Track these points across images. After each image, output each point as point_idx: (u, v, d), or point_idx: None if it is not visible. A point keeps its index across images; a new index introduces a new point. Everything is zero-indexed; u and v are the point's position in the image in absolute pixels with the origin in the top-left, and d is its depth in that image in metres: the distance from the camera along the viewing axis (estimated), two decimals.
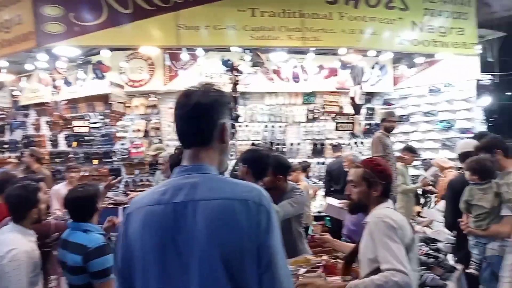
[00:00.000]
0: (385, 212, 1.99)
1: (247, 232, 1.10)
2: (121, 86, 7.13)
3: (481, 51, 7.16)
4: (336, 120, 7.47)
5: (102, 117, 7.68)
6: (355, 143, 8.12)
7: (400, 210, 5.37)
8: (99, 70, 7.36)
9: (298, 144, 8.14)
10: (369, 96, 8.31)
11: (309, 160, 7.52)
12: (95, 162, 7.51)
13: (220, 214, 1.11)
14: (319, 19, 5.69)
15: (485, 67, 8.11)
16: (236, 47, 6.02)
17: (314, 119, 8.16)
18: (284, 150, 7.87)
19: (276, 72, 7.73)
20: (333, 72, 7.83)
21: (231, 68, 6.41)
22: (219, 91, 1.26)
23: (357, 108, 6.88)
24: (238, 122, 7.12)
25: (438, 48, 6.43)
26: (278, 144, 7.99)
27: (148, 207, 1.17)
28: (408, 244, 1.93)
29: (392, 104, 8.36)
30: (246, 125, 7.90)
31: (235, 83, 6.31)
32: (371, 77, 8.05)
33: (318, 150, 8.11)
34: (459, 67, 7.34)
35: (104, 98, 7.38)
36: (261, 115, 7.99)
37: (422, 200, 6.16)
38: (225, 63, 6.83)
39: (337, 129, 7.49)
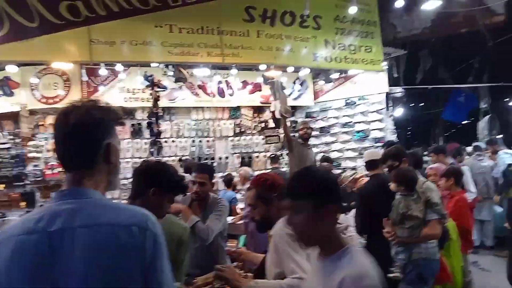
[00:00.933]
0: (285, 224, 2.05)
1: (132, 260, 1.02)
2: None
3: (387, 67, 7.87)
4: (264, 134, 7.71)
5: (11, 137, 7.06)
6: (281, 154, 8.39)
7: None
8: (7, 86, 6.80)
9: (227, 158, 8.21)
10: (293, 109, 8.67)
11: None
12: (1, 187, 6.82)
13: (101, 242, 1.01)
14: (238, 36, 5.86)
15: (394, 82, 8.94)
16: (156, 63, 5.94)
17: (242, 133, 8.31)
18: (214, 164, 7.89)
19: (202, 87, 7.77)
20: (257, 87, 8.08)
21: (152, 83, 6.31)
22: (104, 108, 1.16)
23: (277, 122, 7.13)
24: (161, 138, 6.98)
25: (350, 65, 6.96)
26: (206, 158, 7.99)
27: (20, 236, 1.03)
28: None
29: (314, 117, 8.81)
30: (173, 141, 7.80)
31: (156, 99, 6.20)
32: (293, 91, 8.44)
33: (246, 163, 8.24)
34: (370, 82, 8.02)
35: (14, 117, 6.82)
36: (188, 130, 7.95)
37: None
38: (147, 78, 6.71)
39: (266, 143, 7.74)
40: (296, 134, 7.58)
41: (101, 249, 1.01)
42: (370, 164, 3.80)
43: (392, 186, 3.13)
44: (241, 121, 8.29)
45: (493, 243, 6.58)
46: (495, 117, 10.14)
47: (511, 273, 3.42)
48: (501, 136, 9.37)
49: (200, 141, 8.01)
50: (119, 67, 6.28)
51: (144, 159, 7.17)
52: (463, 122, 13.97)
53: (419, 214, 2.99)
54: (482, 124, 9.95)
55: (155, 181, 1.90)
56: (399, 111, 11.71)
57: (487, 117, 10.06)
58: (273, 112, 7.08)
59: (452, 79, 11.51)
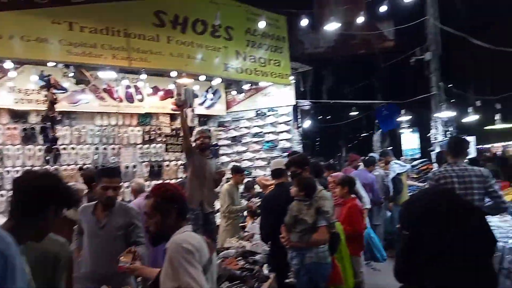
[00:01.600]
0: (183, 236, 1.99)
1: None
2: None
3: (295, 81, 8.33)
4: (166, 142, 7.50)
5: None
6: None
7: (228, 228, 5.65)
8: None
9: (134, 166, 7.80)
10: (205, 118, 8.66)
11: (146, 183, 7.29)
12: None
13: None
14: (147, 40, 5.65)
15: (301, 95, 9.50)
16: (52, 62, 5.41)
17: (151, 141, 7.99)
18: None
19: (108, 91, 7.29)
20: (168, 94, 7.86)
21: (48, 84, 5.72)
22: None
23: (189, 129, 7.01)
24: (58, 144, 6.36)
25: (260, 77, 7.20)
26: None
27: None
28: (205, 266, 1.97)
29: (226, 126, 8.89)
30: (73, 148, 7.15)
31: (52, 101, 5.64)
32: (205, 100, 8.42)
33: (155, 172, 7.94)
34: (279, 94, 8.40)
35: None
36: (91, 137, 7.37)
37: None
38: (43, 78, 6.07)
39: (167, 151, 7.53)
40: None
41: None
42: (276, 173, 3.93)
43: (293, 190, 3.28)
44: (153, 128, 7.97)
45: (383, 245, 7.29)
46: (385, 122, 11.34)
47: (397, 270, 3.82)
48: (391, 148, 10.55)
49: (105, 149, 7.47)
50: (8, 64, 5.58)
51: (37, 167, 6.47)
52: (362, 135, 15.42)
53: (309, 219, 3.15)
54: (376, 137, 11.09)
55: (50, 197, 1.65)
56: (307, 123, 12.46)
57: (380, 130, 11.27)
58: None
59: (352, 95, 12.68)
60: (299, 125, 9.72)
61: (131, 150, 7.81)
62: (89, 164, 7.19)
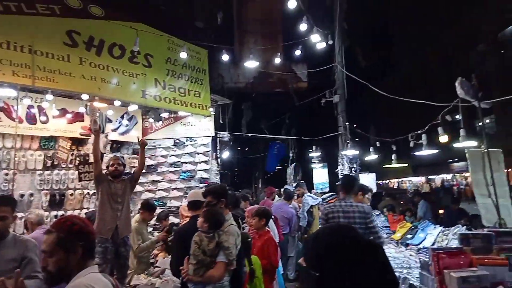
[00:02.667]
0: (86, 280, 1.79)
1: None
2: None
3: (214, 113, 8.43)
4: (79, 170, 6.89)
5: None
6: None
7: (139, 267, 5.28)
8: None
9: (31, 195, 6.96)
10: (118, 145, 8.21)
11: (46, 213, 6.56)
12: None
13: None
14: (55, 59, 5.25)
15: (221, 127, 9.61)
16: None
17: (54, 167, 7.26)
18: None
19: (4, 110, 6.54)
20: (78, 117, 7.33)
21: None
22: None
23: (101, 156, 6.56)
24: None
25: (179, 106, 7.12)
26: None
27: None
28: None
29: None
30: None
31: None
32: (120, 126, 8.02)
33: (56, 201, 7.18)
34: (199, 125, 8.39)
35: None
36: None
37: None
38: None
39: (80, 180, 6.91)
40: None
41: None
42: (193, 205, 3.79)
43: (199, 221, 3.19)
44: (55, 153, 7.27)
45: (295, 276, 7.49)
46: (299, 165, 12.04)
47: None
48: (303, 181, 11.12)
49: None
50: None
51: None
52: (277, 168, 16.02)
53: (208, 253, 3.07)
54: (289, 171, 11.62)
55: None
56: (226, 154, 12.58)
57: (293, 164, 11.85)
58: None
59: (269, 130, 13.21)
60: (217, 156, 9.76)
61: (29, 177, 7.00)
62: None
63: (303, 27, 6.48)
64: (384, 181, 27.44)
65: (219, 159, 9.62)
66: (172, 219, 7.31)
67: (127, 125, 8.17)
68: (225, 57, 7.13)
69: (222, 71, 9.16)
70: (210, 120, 8.34)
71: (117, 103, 6.70)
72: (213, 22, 12.22)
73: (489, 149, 4.36)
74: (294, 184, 9.84)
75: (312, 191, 10.64)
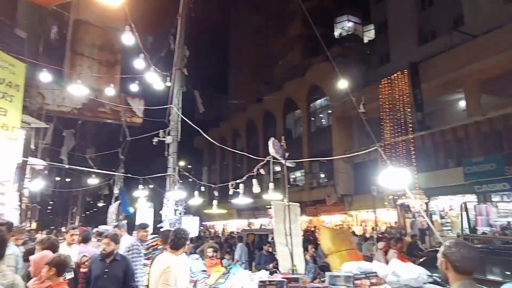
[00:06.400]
0: None
1: None
2: None
3: (25, 137, 7.22)
4: None
5: None
6: None
7: None
8: None
9: None
10: None
11: None
12: None
13: None
14: None
15: (33, 153, 8.26)
16: None
17: None
18: None
19: None
20: None
21: None
22: None
23: None
24: None
25: None
26: None
27: None
28: None
29: None
30: None
31: None
32: None
33: None
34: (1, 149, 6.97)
35: None
36: None
37: None
38: None
39: None
40: None
41: None
42: None
43: None
44: None
45: None
46: (126, 203, 11.27)
47: None
48: (126, 221, 10.38)
49: None
50: None
51: None
52: (100, 205, 14.64)
53: None
54: (112, 209, 10.74)
55: None
56: (38, 185, 10.79)
57: (117, 202, 11.03)
58: None
59: (97, 162, 12.10)
60: (23, 187, 8.29)
61: None
62: None
63: (140, 64, 6.38)
64: (208, 223, 28.58)
65: (25, 190, 8.16)
66: None
67: None
68: (49, 77, 6.27)
69: (44, 91, 8.04)
70: (17, 144, 7.06)
71: None
72: (43, 34, 10.85)
73: (290, 203, 5.04)
74: (114, 224, 9.04)
75: (133, 232, 9.99)
